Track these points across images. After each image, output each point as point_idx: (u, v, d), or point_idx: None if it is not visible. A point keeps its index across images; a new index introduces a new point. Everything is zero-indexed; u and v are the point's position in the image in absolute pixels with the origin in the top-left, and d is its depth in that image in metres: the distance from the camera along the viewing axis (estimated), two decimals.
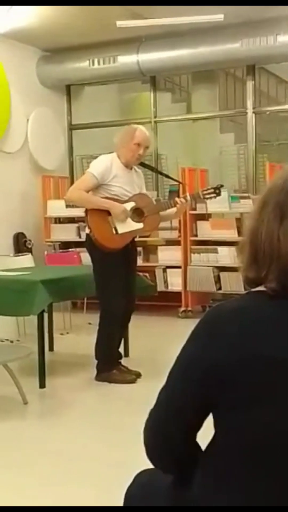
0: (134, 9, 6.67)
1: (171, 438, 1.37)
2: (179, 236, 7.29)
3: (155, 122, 8.32)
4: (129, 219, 4.56)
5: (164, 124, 8.44)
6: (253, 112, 7.84)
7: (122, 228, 4.54)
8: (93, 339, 4.66)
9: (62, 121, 8.77)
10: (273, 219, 1.29)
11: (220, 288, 7.16)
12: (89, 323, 6.10)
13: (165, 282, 7.48)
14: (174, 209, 4.68)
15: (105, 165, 4.52)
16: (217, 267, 7.16)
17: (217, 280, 7.15)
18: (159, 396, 1.38)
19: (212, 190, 4.80)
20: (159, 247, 7.56)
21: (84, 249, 4.92)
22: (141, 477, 1.60)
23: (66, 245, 7.88)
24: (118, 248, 4.53)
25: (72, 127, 8.89)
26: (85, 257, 5.42)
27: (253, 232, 1.32)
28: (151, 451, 1.40)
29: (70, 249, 7.59)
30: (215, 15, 6.58)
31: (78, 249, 7.23)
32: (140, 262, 6.32)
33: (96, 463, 3.21)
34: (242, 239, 1.37)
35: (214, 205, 6.77)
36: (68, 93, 8.80)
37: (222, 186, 4.93)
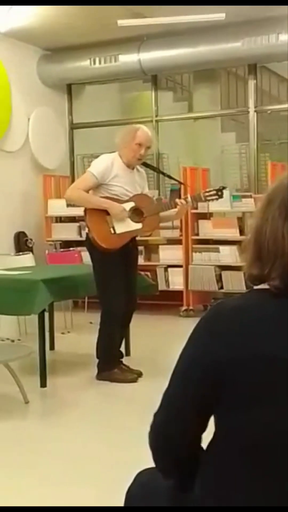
0: (135, 8, 6.65)
1: (172, 438, 1.36)
2: (181, 235, 7.28)
3: (157, 121, 8.31)
4: (128, 219, 4.54)
5: (165, 123, 8.43)
6: (255, 111, 7.84)
7: (120, 228, 4.52)
8: (94, 338, 4.66)
9: (63, 120, 8.77)
10: (278, 217, 1.29)
11: (221, 287, 7.15)
12: (90, 322, 6.10)
13: (167, 281, 7.47)
14: (174, 210, 4.66)
15: (105, 165, 4.51)
16: (219, 266, 7.15)
17: (219, 279, 7.15)
18: (162, 397, 1.37)
19: (215, 192, 4.75)
20: (160, 246, 7.55)
21: (85, 248, 4.91)
22: (142, 476, 1.59)
23: (67, 244, 7.88)
24: (115, 248, 4.50)
25: (73, 126, 8.88)
26: (86, 256, 5.41)
27: (257, 229, 1.32)
28: (154, 452, 1.39)
29: (71, 248, 7.59)
30: (216, 14, 6.57)
31: (79, 248, 7.22)
32: (141, 261, 6.32)
33: (97, 462, 3.20)
34: (246, 237, 1.36)
35: (215, 204, 6.68)
36: (69, 92, 8.80)
37: (224, 188, 4.88)
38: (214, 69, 8.34)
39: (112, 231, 4.52)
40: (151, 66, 7.79)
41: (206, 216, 7.32)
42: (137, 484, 1.57)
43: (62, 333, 6.26)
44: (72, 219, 7.97)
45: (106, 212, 4.50)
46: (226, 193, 4.97)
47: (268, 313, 1.27)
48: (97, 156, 4.74)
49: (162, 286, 7.27)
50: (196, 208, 7.12)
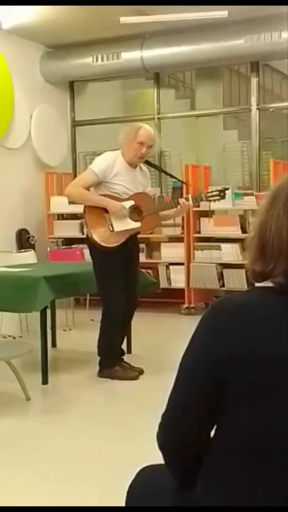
0: (137, 6, 6.64)
1: (180, 438, 1.35)
2: (182, 233, 7.28)
3: (159, 118, 8.30)
4: (127, 218, 4.53)
5: (167, 120, 8.42)
6: (257, 109, 7.83)
7: (118, 226, 4.52)
8: (95, 335, 4.66)
9: (65, 117, 8.76)
10: (283, 214, 1.29)
11: (223, 285, 7.15)
12: (92, 320, 6.10)
13: (168, 279, 7.47)
14: (175, 209, 4.65)
15: (107, 163, 4.50)
16: (220, 264, 7.15)
17: (220, 277, 7.15)
18: (169, 397, 1.37)
19: (217, 193, 4.73)
20: (162, 244, 7.55)
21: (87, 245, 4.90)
22: (143, 473, 1.59)
23: (69, 241, 7.87)
24: (113, 246, 4.49)
25: (75, 124, 8.88)
26: (88, 254, 5.41)
27: (262, 226, 1.31)
28: (164, 453, 1.39)
29: (73, 246, 7.58)
30: (219, 11, 6.56)
31: (81, 246, 7.20)
32: (143, 259, 6.31)
33: (98, 459, 3.20)
34: (250, 234, 1.36)
35: (217, 202, 6.73)
36: (71, 90, 8.78)
37: (227, 189, 4.86)
38: (217, 66, 8.34)
39: (111, 229, 4.51)
40: (154, 63, 7.78)
41: (207, 214, 7.32)
42: (139, 482, 1.56)
43: (64, 330, 6.27)
44: (74, 217, 7.95)
45: (105, 210, 4.50)
46: (227, 191, 4.95)
47: (270, 311, 1.27)
48: (99, 154, 4.73)
49: (163, 284, 7.27)
50: (198, 206, 7.11)
